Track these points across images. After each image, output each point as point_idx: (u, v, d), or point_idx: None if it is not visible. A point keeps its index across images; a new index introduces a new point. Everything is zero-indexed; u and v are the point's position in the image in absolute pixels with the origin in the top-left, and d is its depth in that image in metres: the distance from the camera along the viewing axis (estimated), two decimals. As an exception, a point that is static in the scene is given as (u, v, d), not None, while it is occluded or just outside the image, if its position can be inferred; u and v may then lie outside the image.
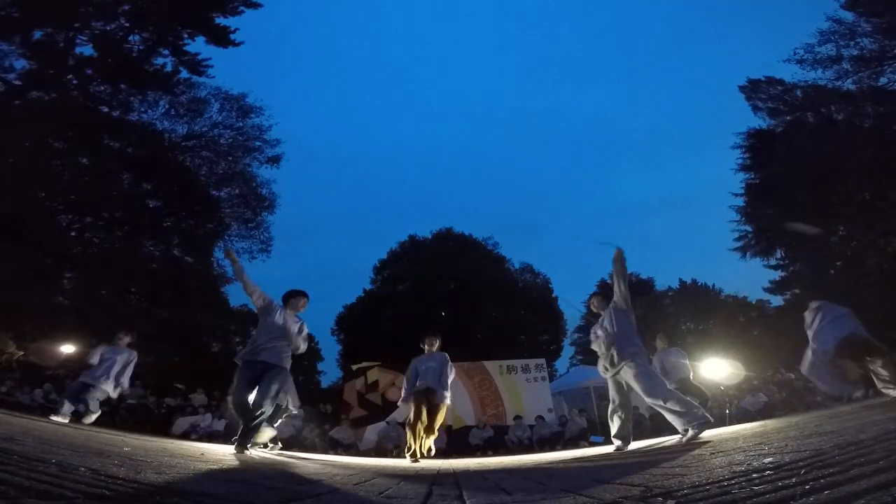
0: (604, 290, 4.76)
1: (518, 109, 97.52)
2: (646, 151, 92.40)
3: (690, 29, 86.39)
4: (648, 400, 3.82)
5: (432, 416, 4.88)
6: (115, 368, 5.84)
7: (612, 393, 4.27)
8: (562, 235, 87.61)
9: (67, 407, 5.62)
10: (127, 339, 6.15)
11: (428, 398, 4.92)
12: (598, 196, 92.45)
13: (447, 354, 5.29)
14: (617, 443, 4.20)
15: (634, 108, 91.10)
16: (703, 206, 64.65)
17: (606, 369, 4.24)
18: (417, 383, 5.08)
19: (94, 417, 5.82)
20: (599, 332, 4.38)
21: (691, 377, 6.36)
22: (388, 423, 10.24)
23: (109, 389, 5.81)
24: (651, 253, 72.00)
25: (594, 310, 4.63)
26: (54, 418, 5.37)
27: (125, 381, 5.99)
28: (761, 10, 74.99)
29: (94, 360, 5.87)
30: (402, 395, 5.20)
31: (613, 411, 4.24)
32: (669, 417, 3.74)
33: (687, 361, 6.43)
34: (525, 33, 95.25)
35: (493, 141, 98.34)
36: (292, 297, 4.48)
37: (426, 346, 5.36)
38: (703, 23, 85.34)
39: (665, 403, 3.70)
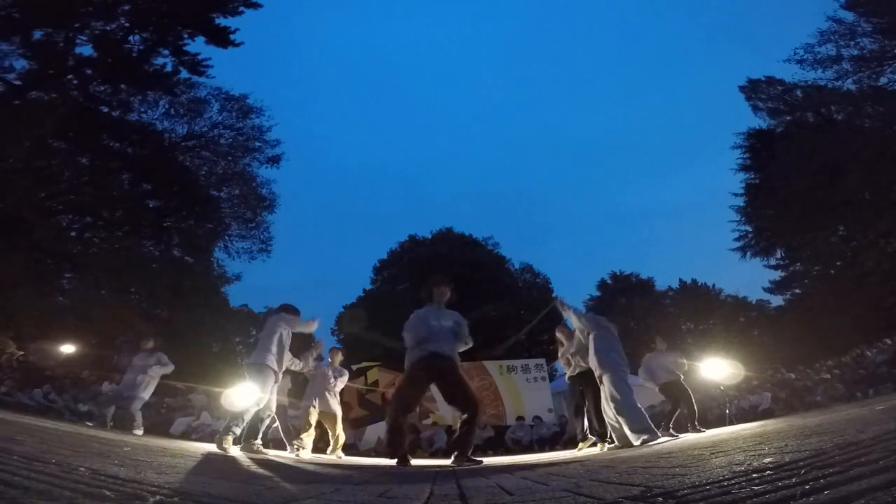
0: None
1: (520, 119, 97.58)
2: (646, 160, 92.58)
3: (688, 42, 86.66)
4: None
5: (455, 392, 3.53)
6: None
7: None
8: (562, 238, 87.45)
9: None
10: (150, 344, 6.56)
11: (440, 369, 3.55)
12: (599, 203, 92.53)
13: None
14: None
15: (634, 119, 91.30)
16: (703, 212, 64.79)
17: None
18: (423, 345, 3.60)
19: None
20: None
21: (682, 381, 6.29)
22: None
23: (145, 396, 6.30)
24: (651, 255, 72.00)
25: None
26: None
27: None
28: (758, 21, 75.11)
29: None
30: (407, 359, 3.68)
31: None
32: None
33: (678, 366, 6.31)
34: (528, 44, 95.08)
35: (495, 149, 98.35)
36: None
37: (435, 297, 3.92)
38: (700, 35, 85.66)
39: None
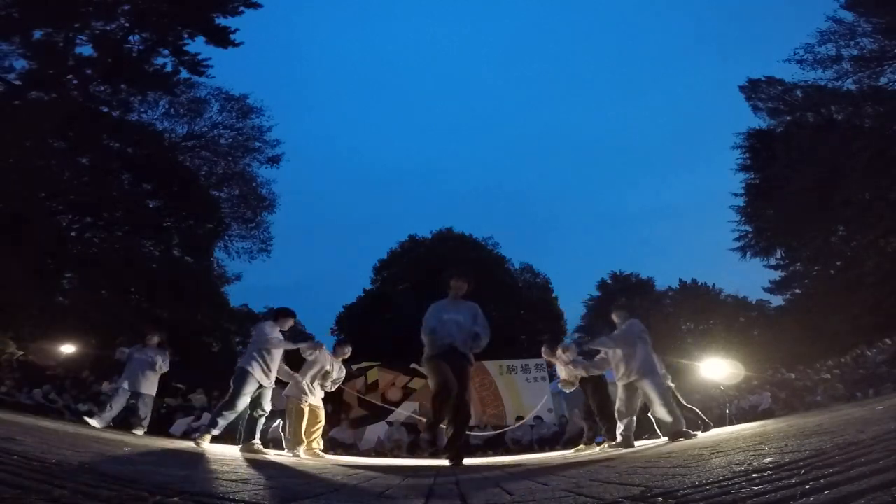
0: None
1: (520, 119, 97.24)
2: (646, 160, 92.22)
3: (688, 42, 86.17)
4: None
5: (460, 385, 3.62)
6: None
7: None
8: (562, 238, 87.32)
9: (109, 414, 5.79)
10: (155, 339, 6.39)
11: (453, 365, 3.64)
12: (599, 203, 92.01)
13: (478, 306, 4.06)
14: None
15: (634, 119, 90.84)
16: (703, 212, 64.61)
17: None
18: (436, 337, 3.74)
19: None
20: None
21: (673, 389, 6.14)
22: (390, 423, 10.25)
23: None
24: (651, 255, 71.76)
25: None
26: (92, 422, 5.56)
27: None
28: (758, 21, 75.01)
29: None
30: (426, 351, 3.78)
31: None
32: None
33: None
34: (528, 44, 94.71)
35: (495, 149, 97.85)
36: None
37: (451, 290, 4.06)
38: (700, 35, 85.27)
39: None
